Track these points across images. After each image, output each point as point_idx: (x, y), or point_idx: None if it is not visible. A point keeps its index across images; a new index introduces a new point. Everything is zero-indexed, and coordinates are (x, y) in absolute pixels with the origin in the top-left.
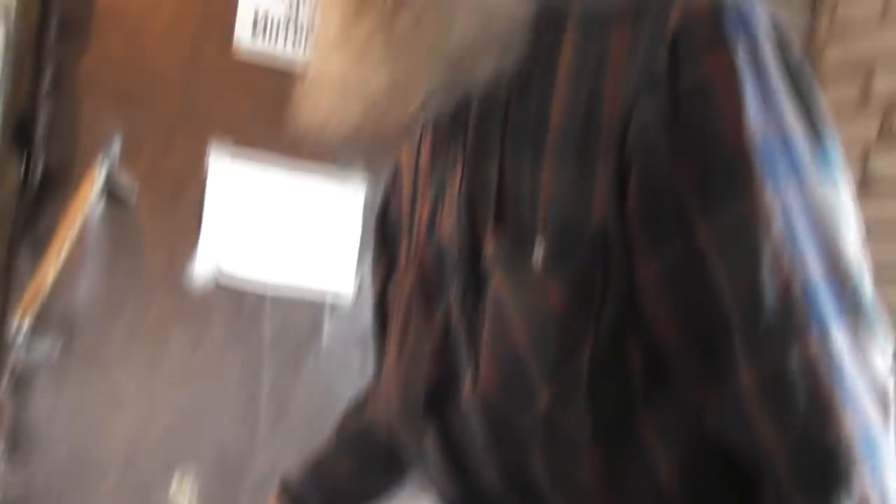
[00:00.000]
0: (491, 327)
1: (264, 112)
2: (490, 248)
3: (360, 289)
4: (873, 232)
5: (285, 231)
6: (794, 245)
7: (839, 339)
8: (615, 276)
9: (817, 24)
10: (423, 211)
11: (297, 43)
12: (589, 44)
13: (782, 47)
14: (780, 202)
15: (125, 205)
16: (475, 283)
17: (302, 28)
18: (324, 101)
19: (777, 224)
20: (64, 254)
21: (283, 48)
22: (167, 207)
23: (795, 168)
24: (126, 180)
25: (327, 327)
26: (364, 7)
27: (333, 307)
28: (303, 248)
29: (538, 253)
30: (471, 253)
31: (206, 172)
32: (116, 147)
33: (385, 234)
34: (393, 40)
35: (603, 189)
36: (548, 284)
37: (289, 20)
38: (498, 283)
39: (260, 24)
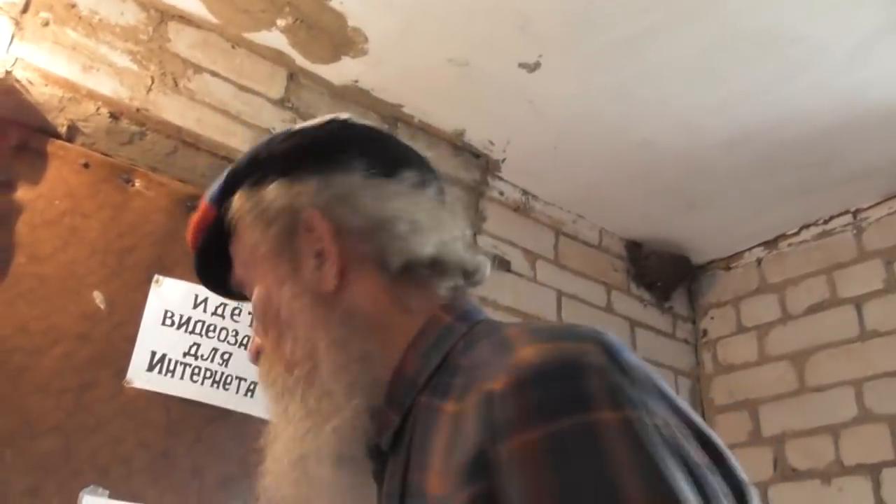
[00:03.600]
0: None
1: (150, 452)
2: None
3: None
4: None
5: None
6: None
7: None
8: None
9: (702, 365)
10: None
11: (193, 378)
12: (464, 404)
13: (614, 403)
14: None
15: None
16: None
17: (199, 368)
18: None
19: None
20: None
21: (177, 384)
22: None
23: None
24: None
25: None
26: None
27: None
28: None
29: None
30: None
31: None
32: None
33: None
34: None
35: None
36: None
37: (186, 359)
38: None
39: (156, 363)
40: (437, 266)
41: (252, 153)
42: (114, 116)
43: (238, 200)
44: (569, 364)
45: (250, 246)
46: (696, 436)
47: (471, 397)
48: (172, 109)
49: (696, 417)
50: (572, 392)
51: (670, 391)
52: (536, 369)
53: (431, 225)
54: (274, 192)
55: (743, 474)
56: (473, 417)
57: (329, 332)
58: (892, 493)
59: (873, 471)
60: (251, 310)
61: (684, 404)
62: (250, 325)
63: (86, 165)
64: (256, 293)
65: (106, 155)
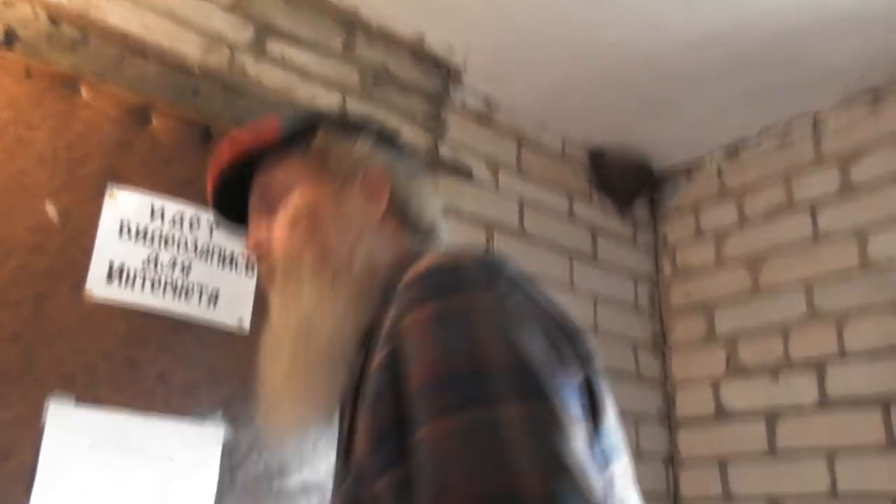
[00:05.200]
0: None
1: (114, 361)
2: (336, 478)
3: None
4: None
5: (128, 493)
6: (473, 467)
7: None
8: (367, 493)
9: (661, 270)
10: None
11: (154, 289)
12: (384, 321)
13: (482, 290)
14: (463, 427)
15: None
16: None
17: (159, 279)
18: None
19: (453, 448)
20: None
21: (138, 295)
22: None
23: (478, 395)
24: None
25: None
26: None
27: None
28: None
29: (347, 481)
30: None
31: (42, 429)
32: None
33: None
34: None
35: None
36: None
37: (145, 270)
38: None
39: (115, 274)
40: (429, 232)
41: (326, 111)
42: (53, 21)
43: (323, 135)
44: (451, 264)
45: (311, 170)
46: (551, 318)
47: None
48: (116, 14)
49: (555, 307)
50: (452, 281)
51: (534, 287)
52: (428, 269)
53: (430, 198)
54: (352, 142)
55: (590, 343)
56: (392, 309)
57: (364, 254)
58: (834, 385)
59: (819, 366)
60: (270, 210)
61: (545, 297)
62: (248, 247)
63: (28, 74)
64: (301, 199)
65: (48, 63)
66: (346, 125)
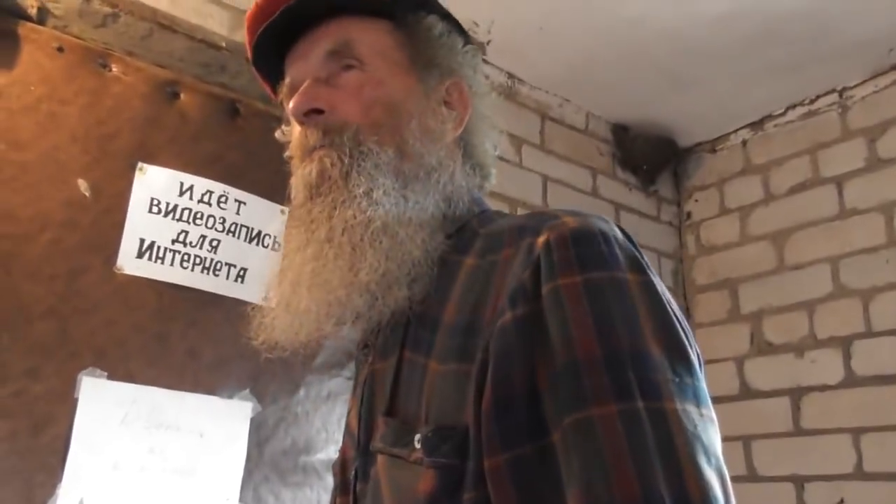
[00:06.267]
0: None
1: (145, 335)
2: (377, 437)
3: None
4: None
5: (160, 467)
6: (636, 458)
7: None
8: (473, 468)
9: (685, 247)
10: (352, 407)
11: (183, 265)
12: (483, 260)
13: (635, 268)
14: (626, 413)
15: None
16: (365, 468)
17: (188, 255)
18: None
19: (620, 434)
20: None
21: (167, 270)
22: (29, 439)
23: (642, 381)
24: None
25: None
26: (305, 241)
27: None
28: (182, 487)
29: (416, 445)
30: (367, 441)
31: (76, 403)
32: None
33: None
34: (317, 270)
35: (472, 388)
36: (419, 473)
37: (174, 246)
38: (379, 469)
39: (145, 249)
40: (484, 178)
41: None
42: None
43: (432, 18)
44: (600, 233)
45: (408, 52)
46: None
47: (503, 251)
48: None
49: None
50: (603, 253)
51: None
52: (577, 231)
53: (495, 142)
54: (458, 43)
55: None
56: (511, 264)
57: (448, 172)
58: (861, 363)
59: (845, 343)
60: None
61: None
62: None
63: (59, 49)
64: (393, 81)
65: (79, 38)
66: (455, 24)
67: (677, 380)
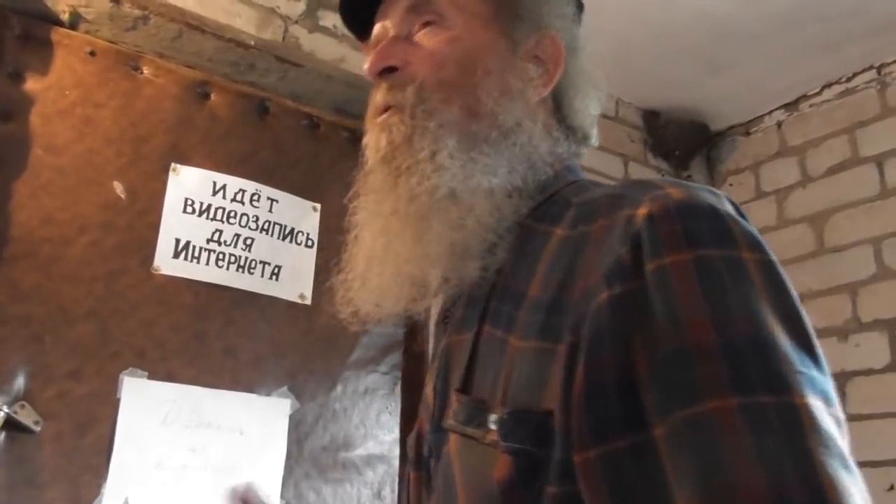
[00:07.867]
0: (440, 489)
1: (183, 335)
2: (451, 414)
3: None
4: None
5: (202, 465)
6: (762, 457)
7: None
8: (558, 458)
9: None
10: (429, 380)
11: (219, 264)
12: (575, 231)
13: (753, 246)
14: (749, 407)
15: (29, 437)
16: (438, 445)
17: (223, 254)
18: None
19: (743, 431)
20: None
21: (203, 270)
22: (74, 440)
23: (766, 373)
24: (29, 415)
25: None
26: (384, 213)
27: None
28: (222, 484)
29: (491, 426)
30: (440, 417)
31: (118, 403)
32: (20, 382)
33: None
34: (387, 245)
35: (559, 370)
36: (494, 457)
37: (209, 245)
38: (451, 448)
39: (181, 249)
40: (580, 143)
41: None
42: (115, 1)
43: None
44: (710, 206)
45: (494, 5)
46: None
47: (597, 222)
48: None
49: None
50: (714, 229)
51: None
52: (683, 203)
53: (594, 103)
54: None
55: None
56: (606, 238)
57: (527, 135)
58: None
59: (890, 326)
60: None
61: None
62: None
63: (92, 53)
64: (471, 36)
65: (111, 42)
66: None
67: (805, 372)
